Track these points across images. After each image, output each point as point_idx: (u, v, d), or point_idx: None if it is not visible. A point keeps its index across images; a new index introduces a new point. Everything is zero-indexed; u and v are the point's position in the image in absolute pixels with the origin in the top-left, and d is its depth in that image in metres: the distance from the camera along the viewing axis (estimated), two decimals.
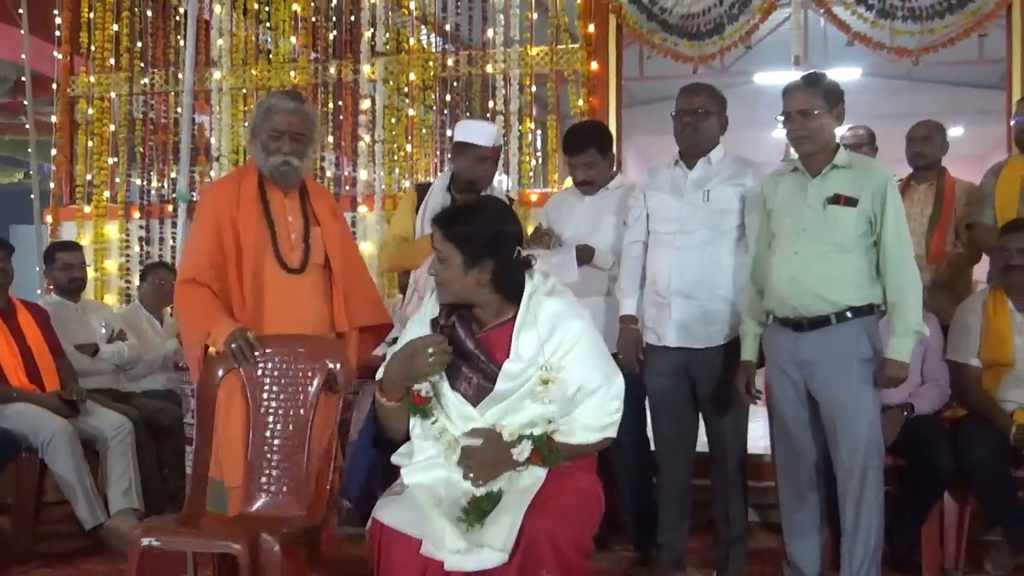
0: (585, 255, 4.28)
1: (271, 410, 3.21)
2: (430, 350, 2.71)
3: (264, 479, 3.16)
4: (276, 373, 3.21)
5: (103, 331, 5.47)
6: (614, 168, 4.53)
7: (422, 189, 4.57)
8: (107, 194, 6.76)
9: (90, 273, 5.96)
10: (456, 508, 2.67)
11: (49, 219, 6.86)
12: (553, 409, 2.76)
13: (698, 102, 4.08)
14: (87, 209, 6.73)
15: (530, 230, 5.38)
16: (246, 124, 6.20)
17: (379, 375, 2.81)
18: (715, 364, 4.00)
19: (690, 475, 4.19)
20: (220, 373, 3.22)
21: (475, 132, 4.39)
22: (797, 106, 3.56)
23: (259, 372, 3.23)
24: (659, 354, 4.08)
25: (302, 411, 3.17)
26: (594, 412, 2.81)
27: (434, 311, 2.91)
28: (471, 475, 2.71)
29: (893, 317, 3.50)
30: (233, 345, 3.27)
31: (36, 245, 6.65)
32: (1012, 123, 4.84)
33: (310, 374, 3.19)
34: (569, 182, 5.61)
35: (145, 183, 6.77)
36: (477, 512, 2.65)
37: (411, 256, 4.44)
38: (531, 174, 6.18)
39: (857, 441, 3.53)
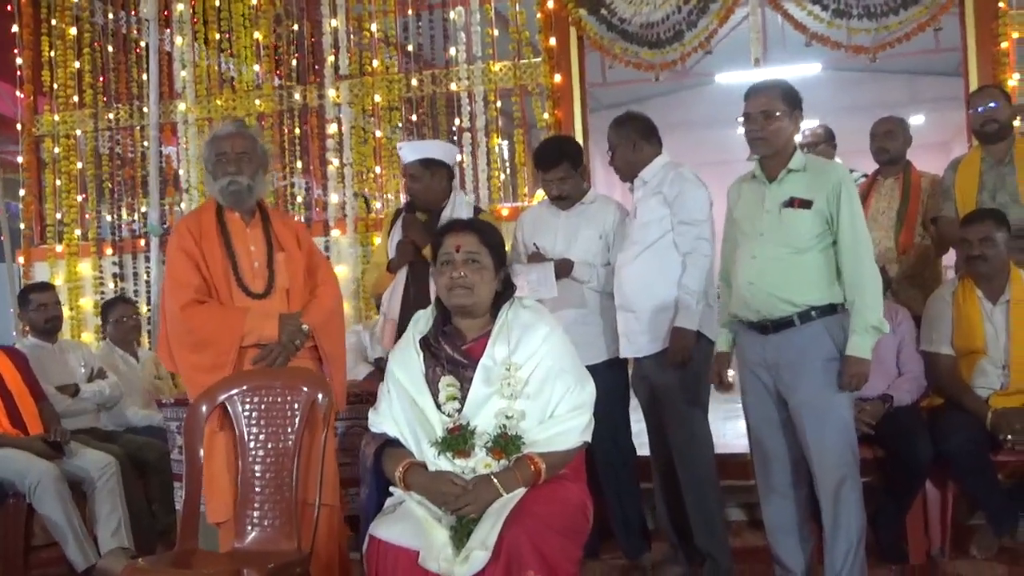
0: (563, 269, 4.34)
1: (257, 445, 3.23)
2: (455, 497, 2.81)
3: (254, 513, 3.19)
4: (262, 407, 3.23)
5: (83, 370, 5.47)
6: (587, 182, 4.59)
7: (397, 213, 4.68)
8: (78, 232, 6.75)
9: (65, 312, 5.94)
10: (448, 519, 2.78)
11: (21, 260, 6.83)
12: (517, 406, 2.89)
13: (609, 139, 4.32)
14: (59, 248, 6.72)
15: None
16: None
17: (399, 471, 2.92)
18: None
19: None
20: (204, 410, 3.23)
21: (403, 152, 4.59)
22: (759, 107, 3.61)
23: (242, 408, 3.24)
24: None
25: (289, 443, 3.19)
26: (565, 417, 2.93)
27: (424, 331, 3.03)
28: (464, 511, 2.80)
29: (852, 314, 3.53)
30: (285, 337, 3.51)
31: (8, 286, 6.64)
32: (969, 113, 4.92)
33: (295, 406, 3.21)
34: (539, 195, 5.71)
35: (115, 218, 6.75)
36: (467, 531, 2.74)
37: (379, 281, 4.66)
38: (500, 189, 6.20)
39: (827, 441, 3.56)
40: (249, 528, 3.17)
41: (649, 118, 4.35)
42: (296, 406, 3.21)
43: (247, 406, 3.24)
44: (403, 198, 4.95)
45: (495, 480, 2.81)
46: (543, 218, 4.59)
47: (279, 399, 3.23)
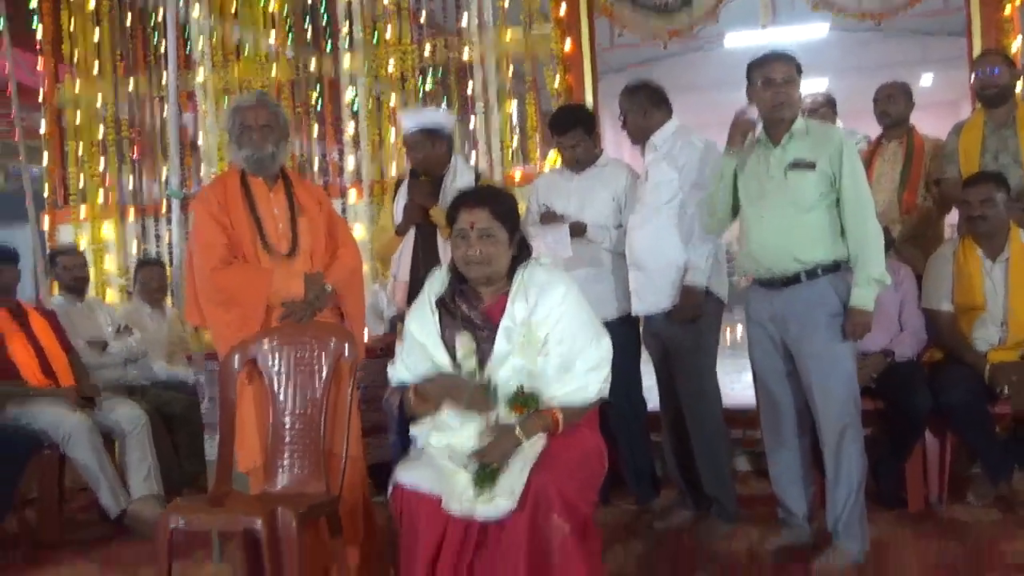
0: (577, 230, 4.49)
1: (286, 396, 3.39)
2: (469, 396, 2.98)
3: (284, 460, 3.36)
4: (292, 360, 3.40)
5: (109, 328, 5.66)
6: (599, 147, 4.73)
7: (399, 181, 4.87)
8: (100, 196, 6.89)
9: (91, 274, 6.10)
10: (472, 465, 2.90)
11: (46, 222, 6.99)
12: (537, 363, 3.00)
13: (620, 106, 4.48)
14: (83, 212, 6.87)
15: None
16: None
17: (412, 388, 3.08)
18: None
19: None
20: (237, 363, 3.41)
21: (403, 122, 4.76)
22: (784, 74, 3.76)
23: (273, 361, 3.41)
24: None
25: (317, 394, 3.36)
26: (583, 373, 3.02)
27: (439, 291, 3.15)
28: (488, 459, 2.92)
29: (855, 268, 3.68)
30: (311, 295, 3.67)
31: (30, 249, 6.80)
32: (972, 78, 5.02)
33: (323, 359, 3.38)
34: (551, 160, 5.85)
35: (137, 183, 6.89)
36: (489, 476, 2.87)
37: (387, 245, 4.88)
38: (512, 154, 6.31)
39: (831, 391, 3.72)
40: (280, 473, 3.35)
41: (659, 85, 4.49)
42: (324, 359, 3.37)
43: (278, 359, 3.41)
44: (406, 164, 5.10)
45: (517, 428, 2.93)
46: (557, 182, 4.74)
47: (308, 352, 3.39)
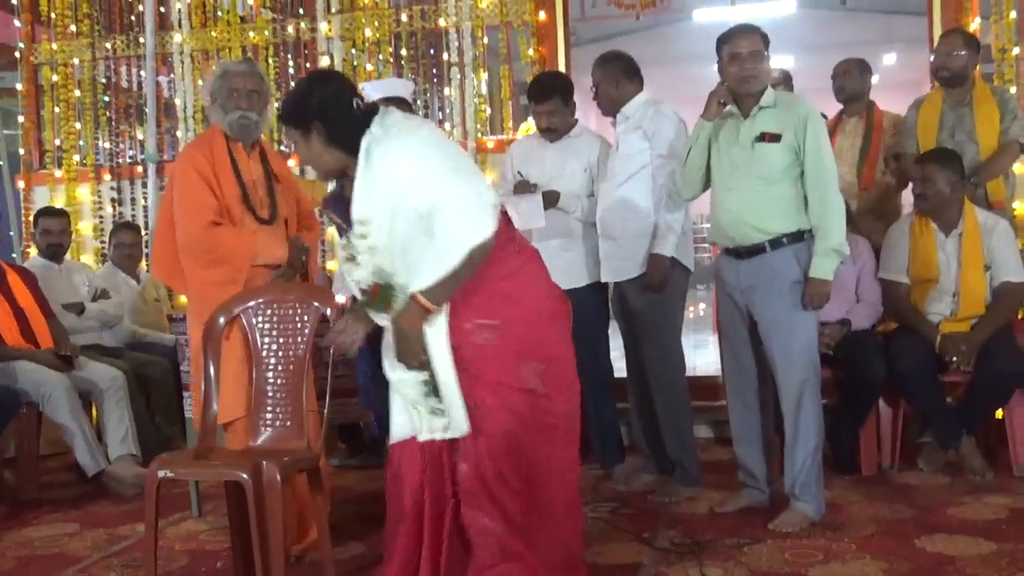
0: (551, 200, 4.60)
1: (270, 353, 3.49)
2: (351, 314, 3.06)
3: (267, 416, 3.46)
4: (275, 319, 3.50)
5: (86, 290, 5.72)
6: (575, 116, 4.82)
7: None
8: (76, 158, 6.91)
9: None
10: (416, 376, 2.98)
11: (21, 184, 7.01)
12: (382, 259, 2.90)
13: (593, 76, 4.55)
14: (58, 173, 6.89)
15: (489, 174, 5.74)
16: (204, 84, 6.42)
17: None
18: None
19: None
20: (222, 321, 3.52)
21: (366, 91, 4.73)
22: (749, 47, 3.85)
23: (257, 319, 3.52)
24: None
25: (300, 352, 3.46)
26: (448, 228, 2.78)
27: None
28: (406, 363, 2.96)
29: (816, 238, 3.80)
30: (294, 257, 3.82)
31: (6, 209, 6.83)
32: (931, 60, 5.16)
33: (305, 318, 3.48)
34: (524, 128, 5.95)
35: (113, 145, 6.93)
36: (427, 385, 2.96)
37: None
38: (486, 122, 6.40)
39: (792, 356, 3.86)
40: (263, 429, 3.45)
41: (631, 57, 4.59)
42: (307, 319, 3.47)
43: (262, 318, 3.50)
44: None
45: (395, 326, 2.91)
46: (532, 149, 4.83)
47: (291, 311, 3.49)
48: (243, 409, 3.56)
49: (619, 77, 4.50)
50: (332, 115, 2.92)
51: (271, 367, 3.49)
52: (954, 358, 4.47)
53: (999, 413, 4.69)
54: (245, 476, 3.09)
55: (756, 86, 3.88)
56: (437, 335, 2.90)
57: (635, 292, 4.44)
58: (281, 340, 3.49)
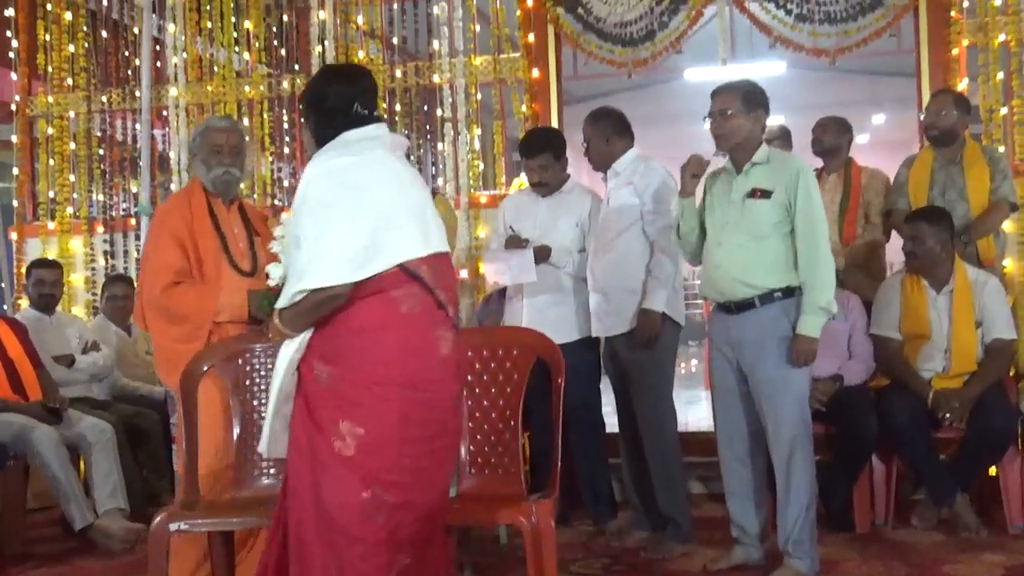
0: (542, 255, 4.62)
1: (262, 401, 3.48)
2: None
3: (262, 463, 3.45)
4: (265, 367, 3.51)
5: (77, 342, 5.70)
6: (566, 171, 4.85)
7: None
8: (70, 210, 6.92)
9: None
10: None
11: (14, 236, 7.01)
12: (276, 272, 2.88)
13: (584, 132, 4.60)
14: (51, 225, 6.89)
15: (481, 230, 5.76)
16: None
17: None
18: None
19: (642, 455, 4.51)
20: (204, 368, 3.51)
21: None
22: (718, 106, 3.93)
23: (245, 369, 3.53)
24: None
25: None
26: (296, 264, 2.75)
27: None
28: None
29: (804, 295, 3.82)
30: (254, 309, 3.72)
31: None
32: (921, 118, 5.22)
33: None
34: (516, 184, 6.00)
35: (107, 198, 6.94)
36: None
37: None
38: (479, 178, 6.44)
39: (782, 413, 3.85)
40: (257, 476, 3.46)
41: (623, 114, 4.63)
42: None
43: (250, 367, 3.53)
44: None
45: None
46: (524, 204, 4.87)
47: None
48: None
49: (610, 133, 4.54)
50: (317, 111, 2.91)
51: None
52: (947, 414, 4.47)
53: (993, 470, 4.68)
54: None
55: (724, 144, 3.94)
56: (281, 357, 2.88)
57: (626, 347, 4.43)
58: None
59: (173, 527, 3.15)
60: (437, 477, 2.87)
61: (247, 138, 4.16)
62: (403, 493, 2.75)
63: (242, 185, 6.24)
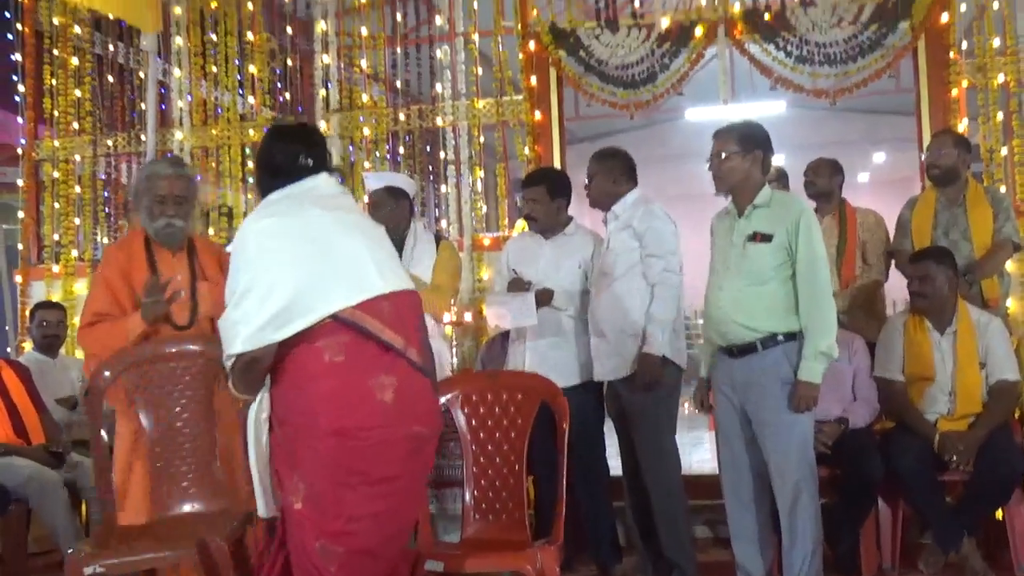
0: (544, 298, 4.61)
1: (173, 423, 3.50)
2: None
3: (182, 483, 3.42)
4: (165, 386, 3.52)
5: (80, 385, 5.68)
6: (566, 214, 4.83)
7: None
8: (74, 253, 6.95)
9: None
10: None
11: (19, 278, 7.03)
12: None
13: (589, 169, 4.59)
14: (55, 268, 6.92)
15: (484, 272, 5.77)
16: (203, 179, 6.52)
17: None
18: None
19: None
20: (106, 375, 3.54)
21: (368, 181, 4.88)
22: (715, 149, 3.97)
23: (143, 389, 3.54)
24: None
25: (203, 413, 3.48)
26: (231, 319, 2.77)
27: None
28: None
29: (805, 340, 3.81)
30: (149, 314, 3.65)
31: (2, 304, 6.85)
32: (922, 158, 5.24)
33: (201, 378, 3.49)
34: (519, 226, 6.01)
35: (111, 241, 6.95)
36: None
37: None
38: (483, 219, 6.46)
39: (786, 457, 3.84)
40: (176, 499, 3.43)
41: (629, 155, 4.64)
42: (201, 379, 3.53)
43: (148, 386, 3.56)
44: None
45: None
46: (527, 247, 4.86)
47: (185, 376, 3.57)
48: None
49: (617, 174, 4.55)
50: (263, 169, 2.95)
51: (174, 437, 3.47)
52: (953, 457, 4.44)
53: (999, 513, 4.64)
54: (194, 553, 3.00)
55: (720, 185, 3.97)
56: (249, 422, 2.87)
57: (628, 390, 4.42)
58: (182, 404, 3.50)
59: (87, 571, 3.04)
60: (397, 521, 2.86)
61: (194, 181, 3.97)
62: (356, 541, 2.74)
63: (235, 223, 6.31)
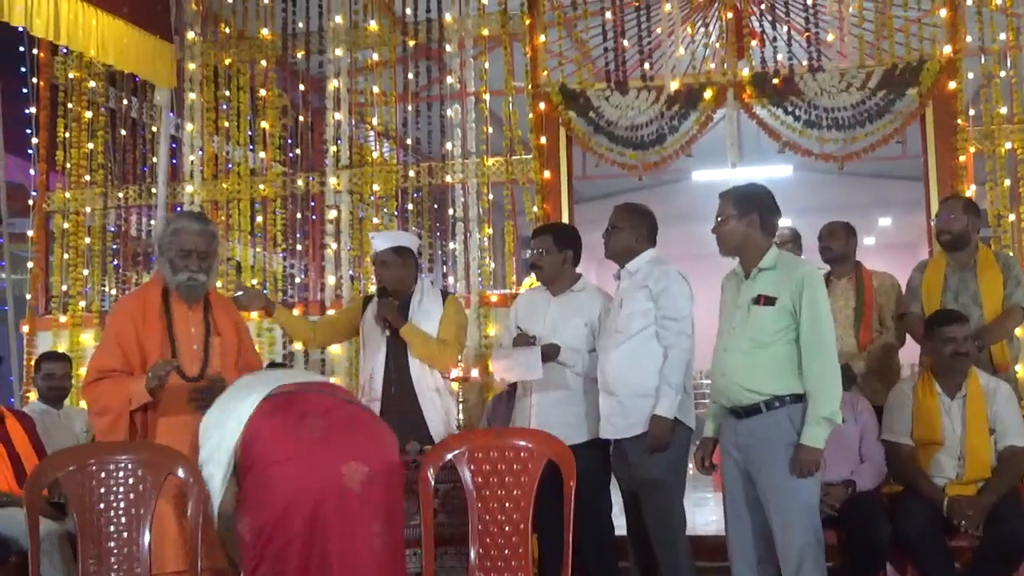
0: (551, 353, 4.61)
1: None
2: None
3: None
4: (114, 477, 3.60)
5: (85, 436, 5.67)
6: (573, 268, 4.84)
7: (367, 299, 5.06)
8: (82, 304, 6.95)
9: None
10: None
11: (26, 329, 7.03)
12: None
13: (614, 218, 4.61)
14: (63, 319, 6.91)
15: (491, 329, 5.77)
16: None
17: None
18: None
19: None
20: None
21: (375, 241, 4.92)
22: (717, 212, 4.00)
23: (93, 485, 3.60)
24: None
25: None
26: None
27: None
28: None
29: (808, 405, 3.79)
30: (153, 384, 3.70)
31: (10, 354, 6.84)
32: (932, 223, 5.26)
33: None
34: (527, 283, 6.03)
35: (119, 292, 6.98)
36: None
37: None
38: (490, 276, 6.48)
39: (790, 520, 3.79)
40: None
41: (655, 218, 4.68)
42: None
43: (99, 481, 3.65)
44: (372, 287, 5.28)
45: None
46: (535, 303, 4.87)
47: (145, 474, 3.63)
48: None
49: (641, 233, 4.58)
50: None
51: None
52: (962, 522, 4.40)
53: None
54: None
55: (720, 248, 4.00)
56: None
57: (636, 450, 4.39)
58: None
59: None
60: None
61: (217, 237, 4.08)
62: None
63: (254, 280, 6.33)
